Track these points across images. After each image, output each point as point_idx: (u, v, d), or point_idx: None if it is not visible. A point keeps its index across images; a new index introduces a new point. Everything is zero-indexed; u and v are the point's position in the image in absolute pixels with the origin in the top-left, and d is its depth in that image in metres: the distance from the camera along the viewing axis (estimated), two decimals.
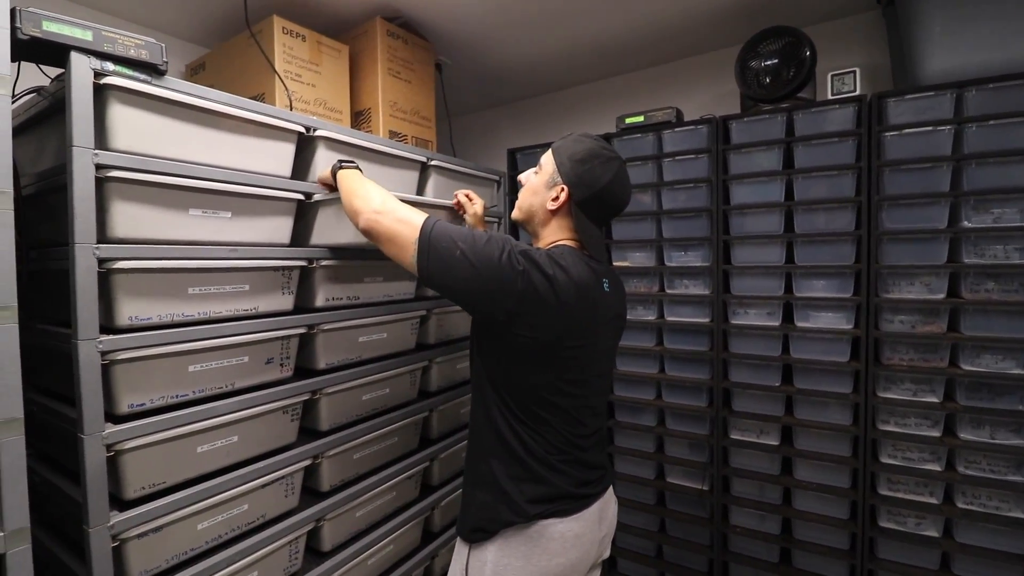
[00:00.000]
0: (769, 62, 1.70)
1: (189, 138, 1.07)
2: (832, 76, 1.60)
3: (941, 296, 1.45)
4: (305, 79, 1.53)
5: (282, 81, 1.46)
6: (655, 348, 1.87)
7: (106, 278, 0.95)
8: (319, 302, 1.35)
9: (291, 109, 1.46)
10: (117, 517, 0.96)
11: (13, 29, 0.83)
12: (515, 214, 1.13)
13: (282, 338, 1.25)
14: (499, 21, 1.82)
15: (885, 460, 1.53)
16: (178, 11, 1.71)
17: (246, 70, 1.54)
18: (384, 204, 1.00)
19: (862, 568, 1.54)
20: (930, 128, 1.42)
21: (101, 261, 0.92)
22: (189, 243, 1.07)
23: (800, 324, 1.63)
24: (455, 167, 1.80)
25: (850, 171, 1.53)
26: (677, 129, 1.81)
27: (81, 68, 0.90)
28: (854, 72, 1.56)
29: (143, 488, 1.00)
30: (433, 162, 1.72)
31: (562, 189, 1.02)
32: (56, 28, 0.88)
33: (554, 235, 1.06)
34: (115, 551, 0.96)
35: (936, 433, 1.47)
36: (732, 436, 1.75)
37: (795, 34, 1.64)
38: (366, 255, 1.44)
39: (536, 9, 1.76)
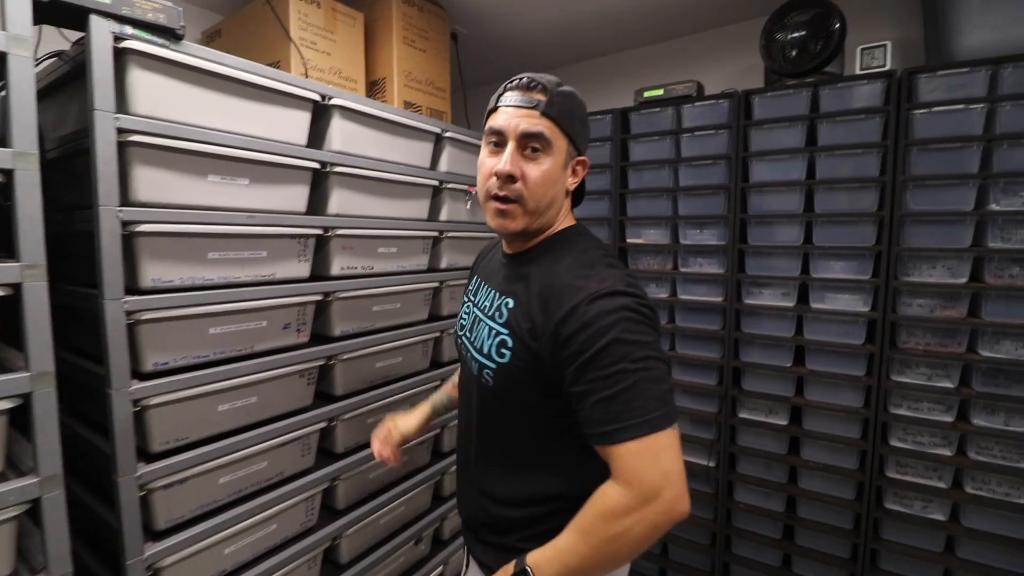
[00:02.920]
0: (796, 34, 1.64)
1: (206, 104, 1.09)
2: (862, 50, 1.55)
3: (963, 280, 1.42)
4: (320, 47, 1.52)
5: (297, 49, 1.45)
6: (667, 326, 1.87)
7: (129, 241, 0.97)
8: (334, 271, 1.38)
9: (306, 77, 1.46)
10: (144, 468, 1.01)
11: None
12: (523, 223, 0.81)
13: (298, 304, 1.28)
14: None
15: (895, 443, 1.52)
16: None
17: (262, 37, 1.54)
18: (626, 525, 0.66)
19: (865, 547, 1.56)
20: (962, 106, 1.37)
21: (124, 224, 0.95)
22: (208, 208, 1.09)
23: (816, 305, 1.61)
24: (469, 139, 1.79)
25: (875, 150, 1.49)
26: (697, 103, 1.77)
27: (101, 31, 0.91)
28: (885, 46, 1.50)
29: (168, 442, 1.05)
30: (448, 134, 1.71)
31: (579, 162, 0.86)
32: None
33: (564, 217, 0.88)
34: (142, 500, 1.01)
35: (949, 418, 1.45)
36: (740, 415, 1.76)
37: (824, 5, 1.58)
38: (387, 227, 1.48)
39: None
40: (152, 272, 1.01)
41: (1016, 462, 1.39)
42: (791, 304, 1.65)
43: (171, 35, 0.99)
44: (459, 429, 0.99)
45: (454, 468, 1.73)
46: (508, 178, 0.78)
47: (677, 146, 1.82)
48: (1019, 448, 1.38)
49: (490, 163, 0.81)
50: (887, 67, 1.52)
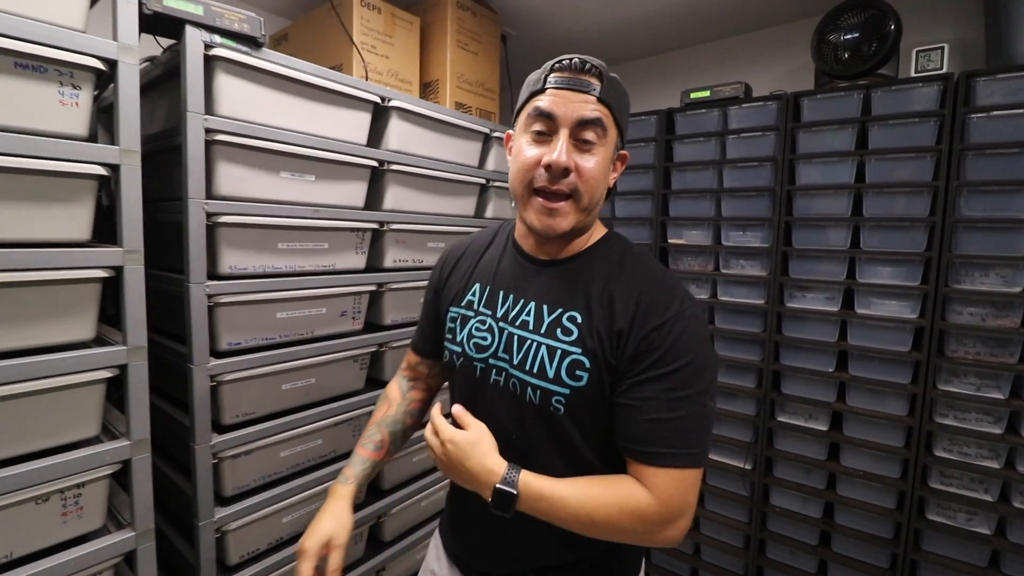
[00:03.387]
0: (849, 36, 1.62)
1: (280, 105, 1.18)
2: (917, 52, 1.52)
3: (1018, 289, 1.38)
4: (379, 51, 1.60)
5: (359, 52, 1.54)
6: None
7: (212, 230, 1.07)
8: (387, 263, 1.46)
9: (366, 79, 1.54)
10: (217, 438, 1.11)
11: (140, 5, 0.94)
12: (574, 221, 0.72)
13: (355, 294, 1.36)
14: None
15: (939, 453, 1.50)
16: None
17: (326, 41, 1.63)
18: (641, 528, 0.68)
19: (904, 557, 1.54)
20: (1021, 111, 1.34)
21: (209, 215, 1.05)
22: (279, 202, 1.18)
23: (861, 311, 1.59)
24: None
25: (929, 154, 1.47)
26: (744, 105, 1.77)
27: (194, 40, 1.01)
28: (942, 48, 1.48)
29: (237, 416, 1.15)
30: (496, 134, 1.78)
31: (620, 156, 0.78)
32: (174, 3, 0.98)
33: (597, 221, 0.82)
34: (214, 467, 1.11)
35: (998, 430, 1.42)
36: (779, 419, 1.76)
37: (880, 6, 1.56)
38: (437, 222, 1.54)
39: None
40: (230, 260, 1.11)
41: None
42: (835, 309, 1.63)
43: (253, 43, 1.08)
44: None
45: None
46: (563, 171, 0.69)
47: (723, 147, 1.82)
48: None
49: (534, 152, 0.70)
50: (943, 70, 1.49)
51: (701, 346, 0.69)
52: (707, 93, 1.85)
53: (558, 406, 0.71)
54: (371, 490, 1.50)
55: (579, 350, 0.70)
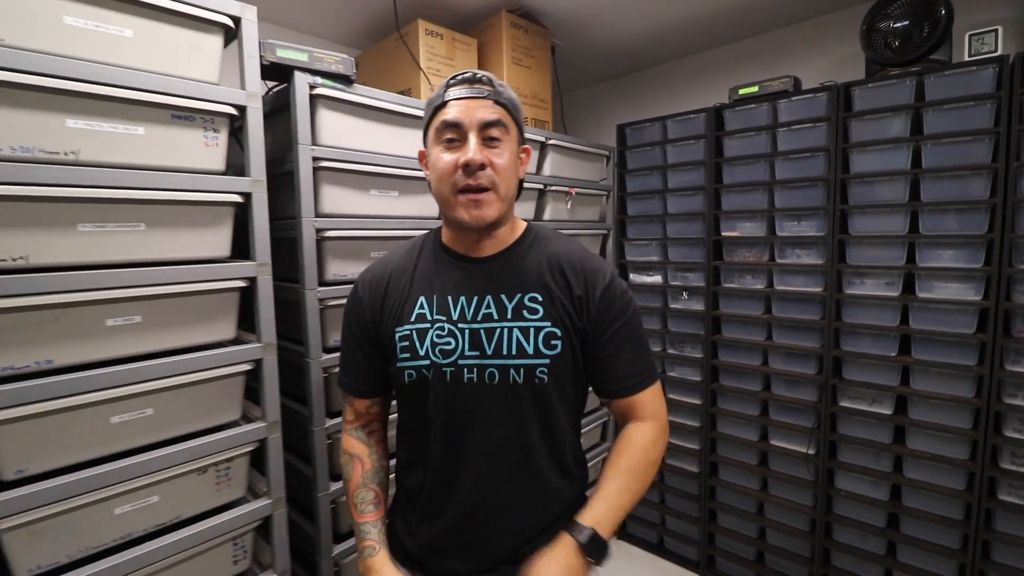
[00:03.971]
0: (899, 24, 1.64)
1: (368, 132, 1.35)
2: (970, 36, 1.53)
3: None
4: (443, 73, 1.76)
5: (426, 76, 1.70)
6: (763, 316, 1.92)
7: (319, 244, 1.25)
8: None
9: None
10: (329, 422, 1.28)
11: (260, 57, 1.12)
12: (498, 210, 0.80)
13: None
14: (613, 0, 1.92)
15: (1009, 434, 1.50)
16: (335, 20, 2.01)
17: (394, 68, 1.80)
18: (658, 452, 0.87)
19: (976, 538, 1.55)
20: None
21: (317, 231, 1.22)
22: (370, 216, 1.35)
23: (922, 295, 1.61)
24: (569, 144, 1.97)
25: (987, 136, 1.47)
26: (794, 98, 1.81)
27: (301, 83, 1.19)
28: (996, 31, 1.48)
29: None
30: (551, 141, 1.90)
31: (524, 150, 0.87)
32: (285, 53, 1.16)
33: (516, 216, 0.91)
34: (330, 448, 1.29)
35: None
36: (841, 404, 1.79)
37: None
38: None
39: None
40: (334, 268, 1.28)
41: None
42: (895, 293, 1.65)
43: (347, 80, 1.26)
44: (455, 481, 0.84)
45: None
46: (479, 166, 0.76)
47: (773, 140, 1.87)
48: None
49: (450, 158, 0.77)
50: (998, 52, 1.49)
51: (629, 293, 0.87)
52: (756, 88, 1.90)
53: (542, 376, 0.80)
54: None
55: (549, 323, 0.81)
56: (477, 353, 0.81)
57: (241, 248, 1.14)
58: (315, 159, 1.21)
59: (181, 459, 1.05)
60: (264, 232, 1.11)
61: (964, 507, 1.58)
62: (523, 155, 0.87)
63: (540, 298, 0.81)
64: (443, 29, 1.76)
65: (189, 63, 1.01)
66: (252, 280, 1.11)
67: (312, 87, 1.20)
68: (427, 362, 0.82)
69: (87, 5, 0.89)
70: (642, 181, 2.26)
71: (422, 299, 0.85)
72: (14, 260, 0.87)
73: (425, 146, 0.86)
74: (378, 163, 1.34)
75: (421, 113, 1.42)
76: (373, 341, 0.89)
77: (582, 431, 1.04)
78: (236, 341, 1.16)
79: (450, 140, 0.78)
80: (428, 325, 0.83)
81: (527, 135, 1.81)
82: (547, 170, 1.93)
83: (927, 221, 1.59)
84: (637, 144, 2.26)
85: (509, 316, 0.81)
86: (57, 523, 0.93)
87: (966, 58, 1.54)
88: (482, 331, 0.81)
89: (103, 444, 0.98)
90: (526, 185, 1.81)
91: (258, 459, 1.20)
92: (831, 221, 1.74)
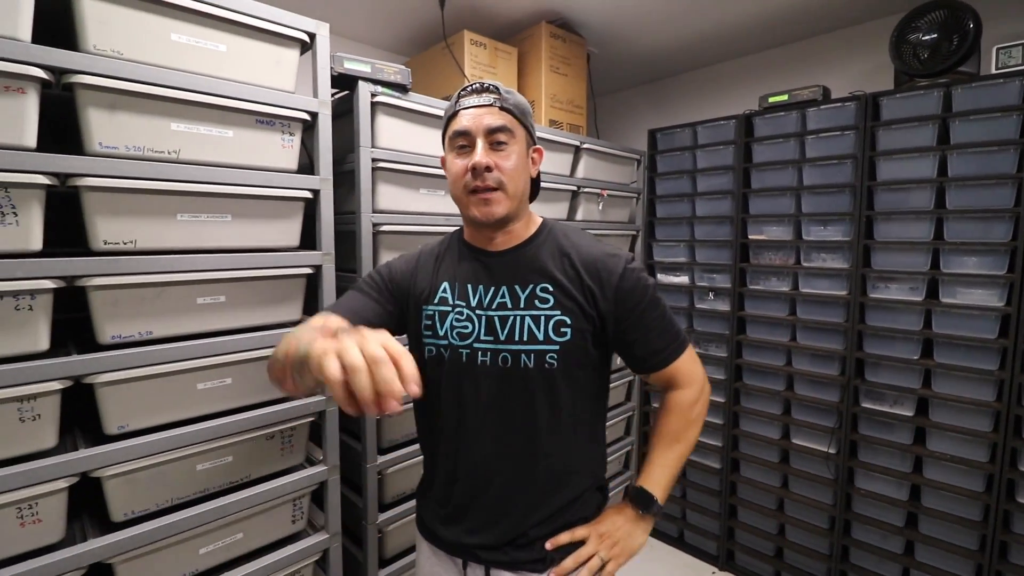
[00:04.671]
0: (928, 36, 1.69)
1: (420, 135, 1.47)
2: (998, 49, 1.57)
3: None
4: (485, 80, 1.87)
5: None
6: (788, 318, 1.98)
7: (375, 237, 1.37)
8: None
9: None
10: None
11: (331, 69, 1.25)
12: (507, 207, 0.86)
13: None
14: (645, 10, 2.00)
15: None
16: (386, 30, 2.14)
17: (439, 75, 1.93)
18: (698, 410, 0.95)
19: (993, 539, 1.58)
20: None
21: (374, 225, 1.35)
22: (420, 213, 1.47)
23: (946, 300, 1.65)
24: (601, 148, 2.06)
25: (1012, 147, 1.52)
26: (823, 107, 1.87)
27: (364, 91, 1.31)
28: (1022, 45, 1.52)
29: None
30: (585, 146, 2.00)
31: (536, 150, 0.94)
32: (351, 65, 1.29)
33: (529, 210, 0.96)
34: (377, 423, 1.41)
35: None
36: (864, 404, 1.84)
37: (957, 5, 1.62)
38: None
39: None
40: (386, 259, 1.40)
41: None
42: (919, 298, 1.70)
43: (403, 89, 1.38)
44: (465, 457, 0.91)
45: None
46: (485, 169, 0.83)
47: (802, 147, 1.93)
48: None
49: (461, 163, 0.86)
50: None
51: (645, 273, 0.91)
52: (785, 97, 1.96)
53: (552, 362, 0.85)
54: None
55: (559, 312, 0.86)
56: (491, 338, 0.87)
57: (307, 239, 1.27)
58: (374, 160, 1.34)
59: (253, 424, 1.18)
60: (329, 225, 1.24)
61: (983, 508, 1.62)
62: (535, 155, 0.93)
63: (551, 288, 0.87)
64: (486, 39, 1.87)
65: (271, 74, 1.15)
66: (317, 268, 1.24)
67: (373, 95, 1.33)
68: (445, 342, 0.90)
69: (190, 24, 1.03)
70: (672, 184, 2.34)
71: (445, 284, 0.94)
72: (125, 243, 1.01)
73: (444, 152, 0.94)
74: (428, 164, 1.46)
75: None
76: (389, 292, 0.96)
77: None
78: (301, 323, 1.28)
79: (461, 147, 0.86)
80: (449, 308, 0.92)
81: (568, 140, 1.92)
82: (580, 172, 2.02)
83: (952, 228, 1.63)
84: (668, 148, 2.34)
85: (522, 305, 0.87)
86: (150, 474, 1.06)
87: (993, 71, 1.58)
88: (496, 318, 0.87)
89: (190, 407, 1.11)
90: (561, 188, 1.92)
91: (315, 433, 1.33)
92: (857, 226, 1.80)
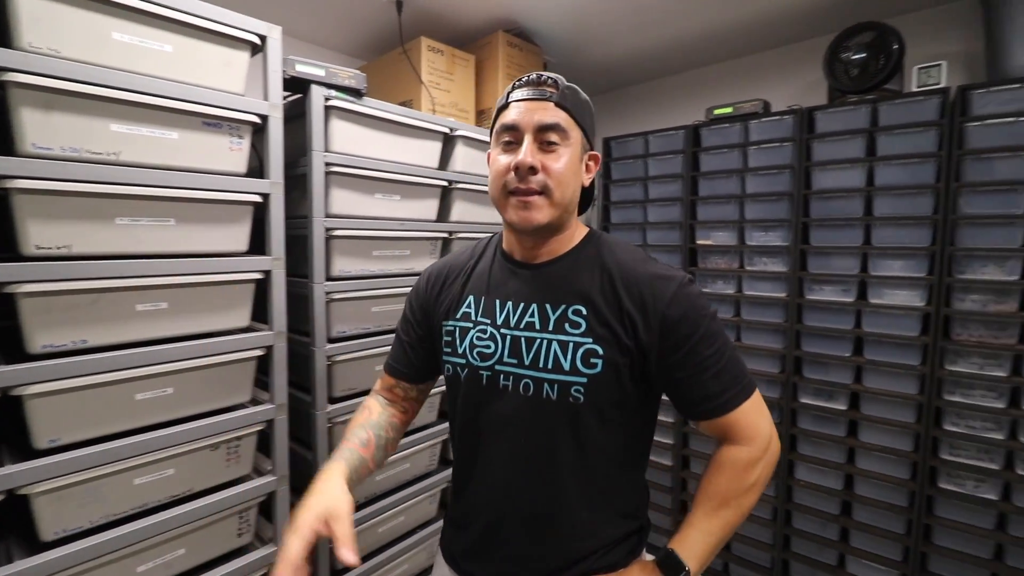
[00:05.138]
0: (858, 56, 1.81)
1: (374, 140, 1.46)
2: (918, 69, 1.70)
3: (1015, 277, 1.55)
4: (443, 86, 1.88)
5: (427, 90, 1.82)
6: (732, 319, 2.08)
7: (327, 242, 1.36)
8: None
9: (433, 112, 1.82)
10: (331, 407, 1.39)
11: (282, 71, 1.23)
12: (549, 215, 0.77)
13: None
14: (598, 23, 2.06)
15: (948, 427, 1.66)
16: (343, 33, 2.12)
17: (396, 80, 1.92)
18: (756, 474, 0.76)
19: (918, 522, 1.70)
20: (1011, 119, 1.51)
21: (327, 230, 1.33)
22: (374, 218, 1.46)
23: (874, 300, 1.77)
24: None
25: (931, 159, 1.65)
26: (764, 119, 1.97)
27: (317, 95, 1.30)
28: (940, 65, 1.66)
29: (345, 390, 1.43)
30: None
31: (592, 156, 0.83)
32: (304, 68, 1.28)
33: (576, 220, 0.86)
34: (329, 431, 1.39)
35: (1001, 405, 1.58)
36: (802, 400, 1.94)
37: (883, 28, 1.75)
38: (493, 231, 1.79)
39: (630, 11, 1.97)
40: (339, 265, 1.39)
41: None
42: (851, 299, 1.82)
43: (358, 94, 1.37)
44: (482, 487, 0.84)
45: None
46: (530, 170, 0.74)
47: (744, 157, 2.03)
48: None
49: (505, 160, 0.76)
50: (942, 84, 1.67)
51: (703, 300, 0.77)
52: (730, 109, 2.06)
53: (577, 395, 0.74)
54: None
55: (590, 339, 0.75)
56: (515, 361, 0.78)
57: (257, 244, 1.24)
58: (327, 164, 1.32)
59: (196, 435, 1.14)
60: (280, 229, 1.22)
61: (909, 495, 1.74)
62: (590, 162, 0.82)
63: (584, 311, 0.76)
64: (444, 46, 1.88)
65: (220, 75, 1.12)
66: (267, 273, 1.22)
67: (327, 99, 1.31)
68: (463, 361, 0.83)
69: (133, 23, 0.99)
70: (625, 191, 2.41)
71: (471, 298, 0.86)
72: (59, 248, 0.96)
73: (491, 147, 0.85)
74: (382, 169, 1.45)
75: (423, 124, 1.55)
76: (421, 325, 0.92)
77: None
78: (249, 329, 1.26)
79: (507, 142, 0.77)
80: (471, 325, 0.83)
81: None
82: None
83: (879, 234, 1.76)
84: (621, 156, 2.41)
85: (551, 328, 0.77)
86: (82, 490, 1.01)
87: (914, 89, 1.72)
88: (523, 339, 0.79)
89: (127, 419, 1.07)
90: None
91: (263, 442, 1.29)
92: (795, 232, 1.90)
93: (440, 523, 1.71)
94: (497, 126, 0.80)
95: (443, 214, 1.71)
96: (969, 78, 1.88)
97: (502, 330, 0.81)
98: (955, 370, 1.64)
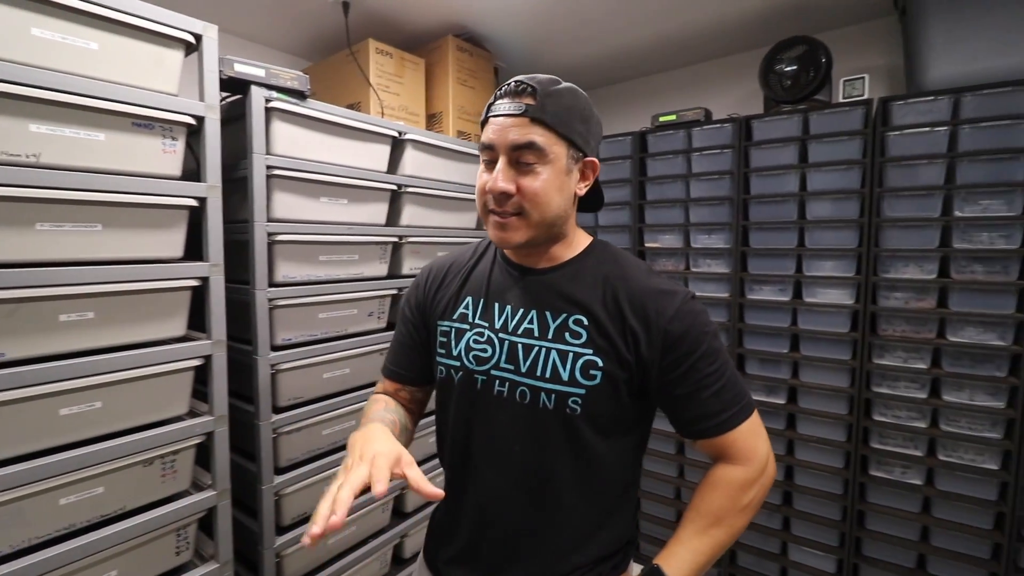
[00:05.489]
0: (790, 68, 1.92)
1: (320, 143, 1.44)
2: (844, 81, 1.81)
3: (933, 276, 1.67)
4: (392, 89, 1.87)
5: (376, 92, 1.80)
6: None
7: (270, 247, 1.32)
8: (405, 270, 1.71)
9: (382, 115, 1.81)
10: (275, 417, 1.35)
11: (219, 72, 1.20)
12: (527, 235, 0.76)
13: (379, 297, 1.61)
14: (547, 31, 2.10)
15: (877, 417, 1.77)
16: (288, 33, 2.07)
17: (344, 82, 1.89)
18: (751, 496, 0.76)
19: (852, 509, 1.80)
20: (928, 129, 1.63)
21: (269, 235, 1.30)
22: (320, 222, 1.44)
23: (808, 299, 1.87)
24: None
25: (857, 166, 1.75)
26: (705, 127, 2.06)
27: (257, 96, 1.27)
28: (863, 78, 1.77)
29: (290, 399, 1.40)
30: None
31: (587, 164, 0.79)
32: (242, 68, 1.24)
33: (575, 228, 0.84)
34: (274, 442, 1.35)
35: (923, 395, 1.70)
36: None
37: (812, 43, 1.85)
38: (444, 235, 1.80)
39: (578, 21, 2.02)
40: (283, 270, 1.36)
41: (980, 432, 1.62)
42: (787, 298, 1.91)
43: (300, 96, 1.34)
44: (471, 496, 0.82)
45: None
46: (503, 195, 0.73)
47: (688, 163, 2.11)
48: (982, 420, 1.61)
49: (483, 180, 0.76)
50: (865, 96, 1.79)
51: (706, 317, 0.76)
52: (674, 116, 2.13)
53: (574, 407, 0.73)
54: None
55: (590, 351, 0.74)
56: (512, 367, 0.77)
57: (194, 249, 1.20)
58: (268, 167, 1.29)
59: (126, 451, 1.09)
60: (218, 234, 1.18)
61: (843, 483, 1.84)
62: (587, 170, 0.79)
63: (585, 322, 0.75)
64: (392, 48, 1.87)
65: (151, 75, 1.08)
66: (204, 280, 1.18)
67: (268, 100, 1.28)
68: (457, 363, 0.81)
69: (55, 19, 0.95)
70: None
71: (469, 299, 0.84)
72: None
73: None
74: (328, 172, 1.43)
75: (370, 128, 1.54)
76: (420, 326, 0.89)
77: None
78: (185, 339, 1.21)
79: (487, 161, 0.76)
80: (467, 327, 0.82)
81: (470, 150, 1.95)
82: None
83: (811, 236, 1.86)
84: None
85: (550, 336, 0.76)
86: (2, 512, 0.95)
87: (840, 100, 1.83)
88: (520, 346, 0.77)
89: (51, 435, 1.01)
90: (469, 198, 1.95)
91: (203, 456, 1.25)
92: (735, 235, 1.99)
93: (396, 529, 1.70)
94: (480, 141, 0.78)
95: (393, 218, 1.69)
96: (891, 90, 2.02)
97: (500, 334, 0.79)
98: (882, 363, 1.75)
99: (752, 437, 0.76)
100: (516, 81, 0.74)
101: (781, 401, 1.94)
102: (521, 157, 0.72)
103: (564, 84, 0.76)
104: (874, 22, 2.07)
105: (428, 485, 0.60)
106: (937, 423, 1.69)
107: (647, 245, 2.22)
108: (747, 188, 1.98)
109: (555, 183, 0.74)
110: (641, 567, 0.78)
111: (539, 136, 0.71)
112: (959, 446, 1.65)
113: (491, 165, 0.75)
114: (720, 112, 2.23)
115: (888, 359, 1.75)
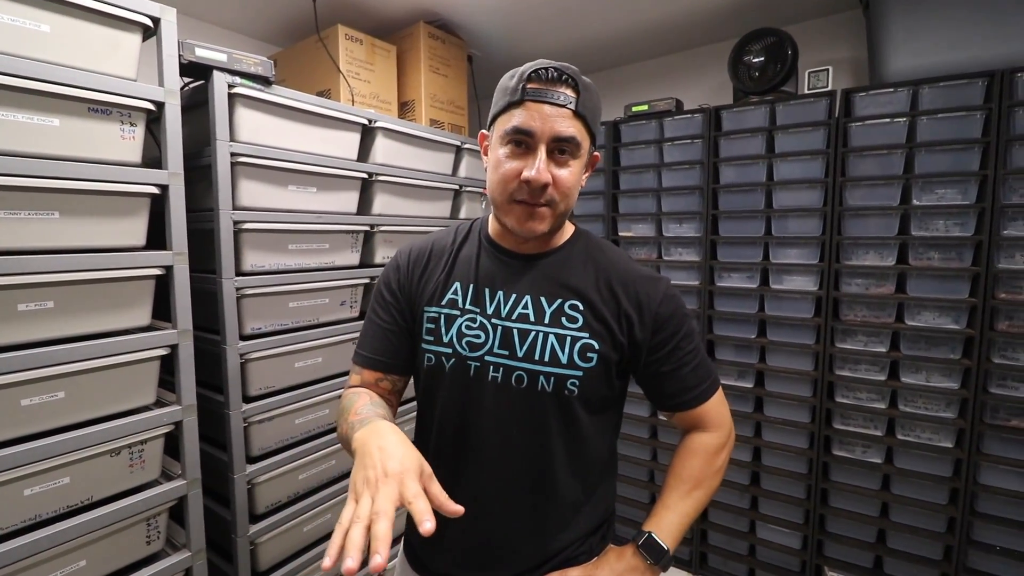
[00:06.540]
0: (757, 59, 1.95)
1: (287, 130, 1.42)
2: (809, 73, 1.85)
3: (892, 263, 1.72)
4: (362, 76, 1.85)
5: (346, 79, 1.78)
6: None
7: (236, 235, 1.31)
8: (378, 259, 1.71)
9: (352, 103, 1.79)
10: (246, 406, 1.34)
11: (179, 56, 1.18)
12: (551, 224, 0.77)
13: (352, 286, 1.61)
14: (522, 20, 2.10)
15: (839, 399, 1.83)
16: (255, 18, 2.03)
17: (313, 68, 1.87)
18: (723, 458, 0.85)
19: (816, 487, 1.87)
20: (887, 120, 1.68)
21: (235, 223, 1.29)
22: (289, 211, 1.43)
23: (774, 286, 1.92)
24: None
25: (820, 156, 1.80)
26: (676, 117, 2.08)
27: (220, 82, 1.25)
28: (827, 70, 1.81)
29: (261, 389, 1.39)
30: (466, 146, 2.05)
31: (592, 158, 0.81)
32: (204, 53, 1.22)
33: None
34: (245, 431, 1.35)
35: (882, 377, 1.76)
36: None
37: (779, 35, 1.89)
38: (417, 224, 1.79)
39: (553, 10, 2.03)
40: (251, 259, 1.35)
41: (937, 411, 1.69)
42: (754, 285, 1.96)
43: (265, 82, 1.33)
44: (466, 481, 0.81)
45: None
46: (544, 186, 0.72)
47: (660, 152, 2.13)
48: (938, 400, 1.68)
49: (514, 165, 0.73)
50: (829, 87, 1.83)
51: (682, 300, 0.83)
52: (646, 107, 2.15)
53: (572, 388, 0.76)
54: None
55: (587, 334, 0.76)
56: (507, 353, 0.77)
57: (158, 238, 1.18)
58: (233, 155, 1.27)
59: (92, 441, 1.08)
60: (181, 223, 1.17)
61: (808, 462, 1.90)
62: (589, 164, 0.81)
63: (581, 307, 0.78)
64: (363, 35, 1.85)
65: (107, 59, 1.06)
66: (168, 269, 1.16)
67: (231, 86, 1.26)
68: (449, 350, 0.80)
69: (2, 0, 0.92)
70: None
71: (457, 285, 0.83)
72: None
73: (488, 129, 0.81)
74: (296, 160, 1.42)
75: (340, 115, 1.53)
76: (402, 311, 0.86)
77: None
78: (150, 328, 1.20)
79: (517, 144, 0.73)
80: (458, 313, 0.81)
81: (449, 140, 1.95)
82: (463, 172, 2.07)
83: (777, 225, 1.90)
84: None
85: (546, 321, 0.77)
86: None
87: (805, 91, 1.87)
88: (515, 331, 0.78)
89: (12, 427, 1.00)
90: (443, 186, 1.95)
91: (172, 445, 1.24)
92: (705, 224, 2.02)
93: None
94: (506, 120, 0.74)
95: (364, 207, 1.69)
96: (855, 82, 2.07)
97: (492, 320, 0.79)
98: (844, 347, 1.81)
99: (721, 406, 0.85)
100: (555, 69, 0.73)
101: (749, 385, 2.00)
102: (559, 148, 0.73)
103: (586, 77, 0.76)
104: (839, 16, 2.11)
105: (450, 502, 0.59)
106: (896, 404, 1.76)
107: (621, 234, 2.25)
108: (716, 178, 2.01)
109: (579, 176, 0.77)
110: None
111: (577, 130, 0.73)
112: (916, 425, 1.72)
113: (519, 151, 0.73)
114: (691, 102, 2.26)
115: (850, 343, 1.81)
